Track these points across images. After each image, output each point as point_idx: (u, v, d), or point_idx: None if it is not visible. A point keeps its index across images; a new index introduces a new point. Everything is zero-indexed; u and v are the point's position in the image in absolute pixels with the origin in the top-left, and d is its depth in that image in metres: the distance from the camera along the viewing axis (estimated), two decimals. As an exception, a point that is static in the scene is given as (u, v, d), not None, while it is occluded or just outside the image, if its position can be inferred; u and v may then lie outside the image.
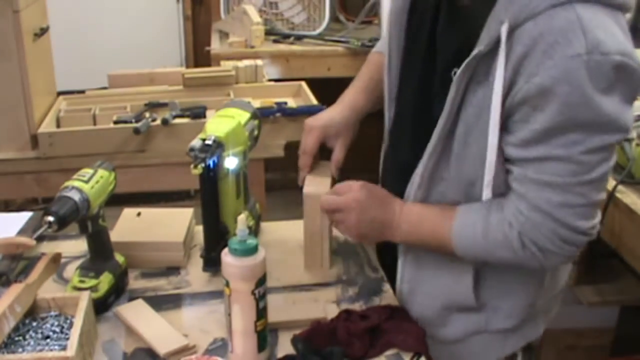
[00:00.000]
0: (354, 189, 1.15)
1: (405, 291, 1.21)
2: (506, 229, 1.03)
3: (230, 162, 1.23)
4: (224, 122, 1.26)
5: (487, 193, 1.02)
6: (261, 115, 1.98)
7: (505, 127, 0.99)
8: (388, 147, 1.27)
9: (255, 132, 1.35)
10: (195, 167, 1.16)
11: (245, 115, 1.31)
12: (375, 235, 1.16)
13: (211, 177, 1.22)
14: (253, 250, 1.02)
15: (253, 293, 1.02)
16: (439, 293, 1.17)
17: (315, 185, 1.27)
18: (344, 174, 1.31)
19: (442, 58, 1.08)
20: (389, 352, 1.10)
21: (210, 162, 1.20)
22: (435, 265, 1.16)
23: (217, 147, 1.20)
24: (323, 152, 1.32)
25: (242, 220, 1.02)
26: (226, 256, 1.02)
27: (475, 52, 0.96)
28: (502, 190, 1.04)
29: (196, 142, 1.19)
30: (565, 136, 0.94)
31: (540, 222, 1.00)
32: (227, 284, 1.03)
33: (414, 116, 1.17)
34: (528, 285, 1.16)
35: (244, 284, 1.02)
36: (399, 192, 1.15)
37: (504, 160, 1.01)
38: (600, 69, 0.90)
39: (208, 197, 1.24)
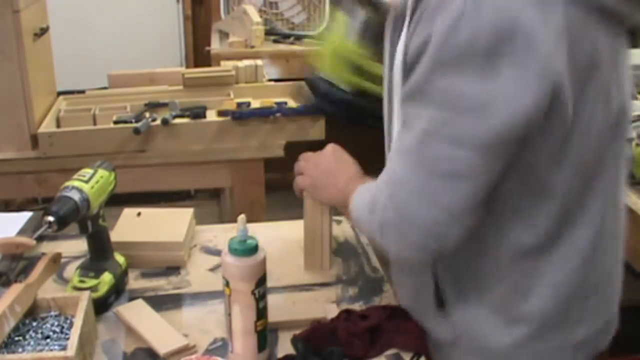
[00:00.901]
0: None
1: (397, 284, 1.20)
2: (374, 188, 1.01)
3: None
4: None
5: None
6: (261, 115, 2.01)
7: None
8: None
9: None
10: None
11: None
12: (320, 181, 1.20)
13: None
14: (253, 250, 1.02)
15: (253, 293, 1.02)
16: (418, 288, 1.12)
17: None
18: None
19: None
20: (389, 352, 1.10)
21: None
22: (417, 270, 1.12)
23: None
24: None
25: (242, 220, 1.02)
26: (226, 256, 1.02)
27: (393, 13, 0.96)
28: None
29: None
30: (415, 106, 0.89)
31: (380, 191, 0.97)
32: (227, 284, 1.03)
33: None
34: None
35: (244, 284, 1.02)
36: None
37: None
38: (473, 37, 0.80)
39: None
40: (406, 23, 0.92)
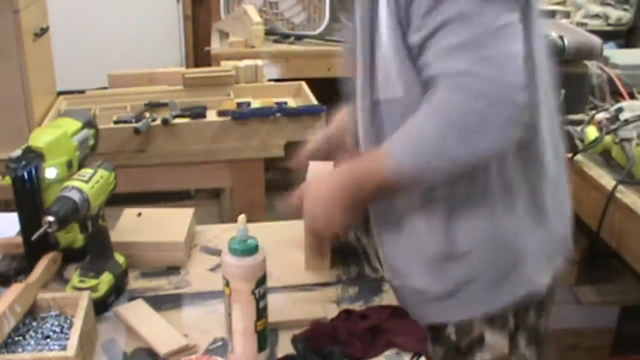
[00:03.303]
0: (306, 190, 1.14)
1: (390, 256, 1.19)
2: (432, 118, 0.98)
3: (50, 173, 1.24)
4: (47, 132, 1.28)
5: (387, 90, 1.03)
6: (261, 115, 2.01)
7: (405, 31, 0.99)
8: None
9: (90, 142, 1.36)
10: (3, 177, 1.18)
11: (76, 125, 1.32)
12: (334, 208, 1.11)
13: (27, 188, 1.22)
14: (253, 250, 1.02)
15: (253, 293, 1.02)
16: (419, 245, 1.13)
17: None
18: None
19: None
20: (389, 352, 1.10)
21: (25, 173, 1.21)
22: (407, 220, 1.13)
23: (34, 157, 1.22)
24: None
25: (242, 220, 1.02)
26: (226, 256, 1.02)
27: None
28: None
29: (15, 152, 1.22)
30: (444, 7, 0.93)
31: (467, 87, 0.94)
32: (228, 284, 1.03)
33: None
34: (498, 220, 1.09)
35: (244, 284, 1.02)
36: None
37: (411, 63, 1.01)
38: None
39: (25, 208, 1.24)
40: None
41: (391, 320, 1.14)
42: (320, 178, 1.15)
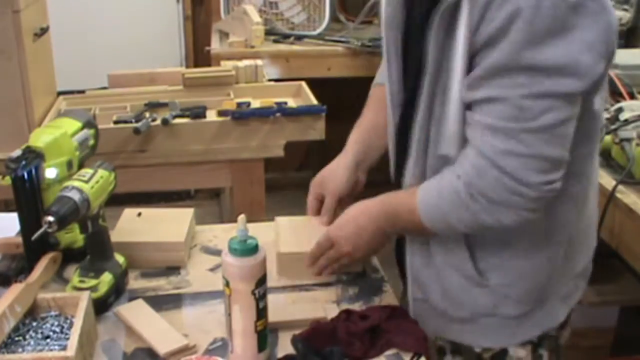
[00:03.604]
0: (330, 233, 1.19)
1: (415, 268, 1.20)
2: (454, 182, 1.02)
3: (50, 173, 1.24)
4: (47, 132, 1.28)
5: (447, 148, 1.03)
6: (261, 115, 2.01)
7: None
8: (395, 155, 1.25)
9: (90, 142, 1.36)
10: (3, 177, 1.18)
11: (76, 125, 1.32)
12: (375, 248, 1.19)
13: (27, 188, 1.22)
14: (253, 250, 1.02)
15: (253, 293, 1.02)
16: (449, 265, 1.15)
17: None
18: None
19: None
20: (389, 352, 1.10)
21: (25, 173, 1.21)
22: (440, 239, 1.14)
23: (34, 157, 1.22)
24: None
25: (242, 220, 1.02)
26: (226, 256, 1.02)
27: (445, 3, 0.98)
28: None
29: (15, 152, 1.22)
30: (509, 77, 0.94)
31: (485, 170, 0.98)
32: (227, 284, 1.03)
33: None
34: (536, 266, 1.12)
35: (244, 284, 1.02)
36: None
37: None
38: (555, 9, 0.90)
39: (25, 208, 1.24)
40: (465, 14, 0.96)
41: (391, 320, 1.14)
42: (358, 206, 1.18)
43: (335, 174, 1.32)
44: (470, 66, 0.99)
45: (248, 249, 1.01)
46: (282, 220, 1.41)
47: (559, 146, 0.98)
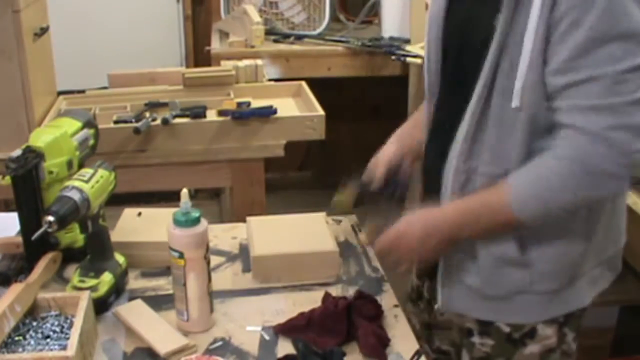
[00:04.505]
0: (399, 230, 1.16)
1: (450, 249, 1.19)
2: (557, 166, 1.03)
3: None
4: (47, 131, 1.28)
5: (515, 102, 1.03)
6: (261, 115, 2.00)
7: (545, 58, 1.01)
8: (429, 143, 1.26)
9: (90, 142, 1.37)
10: (3, 177, 1.20)
11: (76, 125, 1.32)
12: (442, 251, 1.17)
13: (27, 188, 1.23)
14: (198, 219, 1.11)
15: (205, 257, 1.11)
16: (485, 246, 1.15)
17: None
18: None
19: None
20: (389, 352, 1.10)
21: (25, 173, 1.21)
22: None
23: (34, 157, 1.22)
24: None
25: (185, 194, 1.11)
26: (176, 230, 1.10)
27: None
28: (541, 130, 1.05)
29: (15, 152, 1.23)
30: (605, 50, 0.96)
31: (595, 147, 1.00)
32: (181, 256, 1.10)
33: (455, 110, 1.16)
34: (572, 242, 1.14)
35: (197, 251, 1.11)
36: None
37: (544, 95, 1.03)
38: None
39: (25, 208, 1.25)
40: None
41: (374, 319, 1.17)
42: (417, 216, 1.16)
43: (383, 151, 1.34)
44: (542, 44, 0.99)
45: (194, 218, 1.11)
46: (253, 221, 1.41)
47: None
